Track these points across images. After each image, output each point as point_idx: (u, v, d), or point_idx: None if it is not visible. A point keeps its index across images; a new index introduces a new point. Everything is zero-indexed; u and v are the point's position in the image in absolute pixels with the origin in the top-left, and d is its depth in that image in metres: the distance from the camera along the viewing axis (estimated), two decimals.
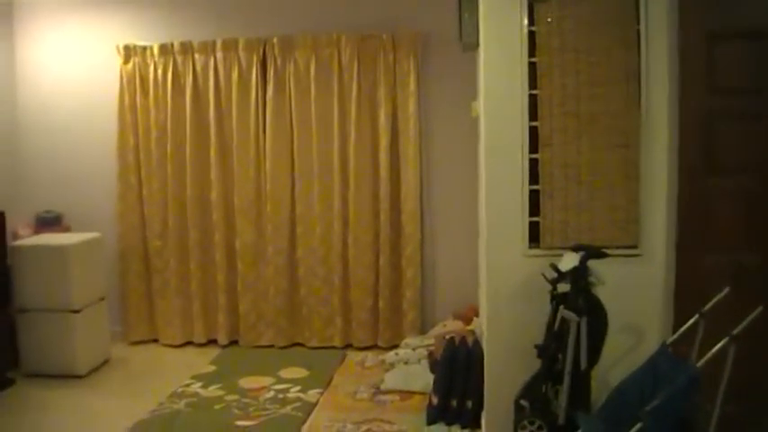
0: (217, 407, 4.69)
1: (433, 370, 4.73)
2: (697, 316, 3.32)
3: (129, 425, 4.40)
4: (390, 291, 5.88)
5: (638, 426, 2.89)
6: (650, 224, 3.74)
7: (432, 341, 5.19)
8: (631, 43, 3.65)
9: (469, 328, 5.06)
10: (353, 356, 5.67)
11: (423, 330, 5.83)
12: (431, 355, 4.95)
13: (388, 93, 5.74)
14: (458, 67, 5.56)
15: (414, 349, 5.27)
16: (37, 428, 4.49)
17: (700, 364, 2.95)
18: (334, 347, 5.92)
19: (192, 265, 6.11)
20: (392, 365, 5.17)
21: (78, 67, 6.23)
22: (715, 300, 3.27)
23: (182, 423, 4.44)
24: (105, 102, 6.14)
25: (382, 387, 4.86)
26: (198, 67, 5.95)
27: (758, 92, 3.76)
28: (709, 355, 2.95)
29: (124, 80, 6.04)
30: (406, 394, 4.76)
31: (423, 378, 4.77)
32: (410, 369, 4.99)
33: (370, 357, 5.61)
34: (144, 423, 4.44)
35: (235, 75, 5.88)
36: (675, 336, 3.41)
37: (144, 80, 6.05)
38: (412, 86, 5.70)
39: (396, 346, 5.60)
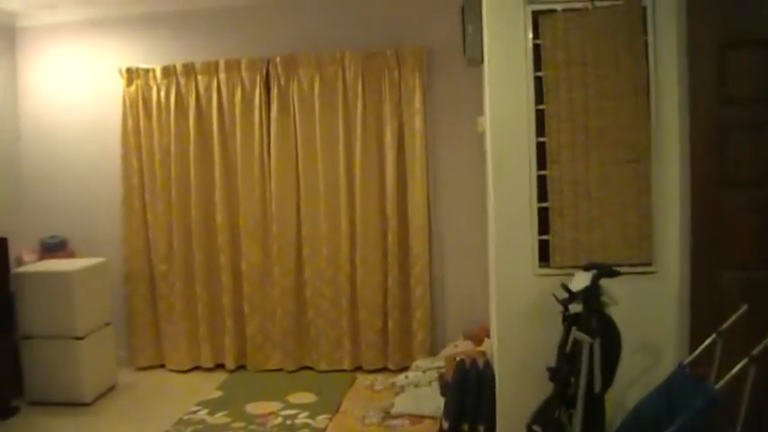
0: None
1: (443, 393, 4.62)
2: (714, 335, 3.23)
3: None
4: (400, 311, 5.79)
5: None
6: (664, 240, 3.65)
7: (442, 363, 5.08)
8: (639, 54, 3.58)
9: (480, 349, 4.96)
10: (363, 380, 5.56)
11: (433, 351, 5.72)
12: (441, 377, 4.84)
13: (393, 110, 5.67)
14: (464, 82, 5.49)
15: (424, 372, 5.17)
16: None
17: (719, 385, 2.86)
18: (343, 371, 5.82)
19: (197, 287, 6.04)
20: (402, 389, 5.06)
21: (81, 91, 6.20)
22: (733, 318, 3.18)
23: None
24: (108, 125, 6.10)
25: (392, 411, 4.75)
26: (201, 89, 5.90)
27: None
28: (728, 376, 2.86)
29: (127, 103, 5.99)
30: (417, 418, 4.64)
31: (433, 401, 4.66)
32: (420, 392, 4.88)
33: (380, 380, 5.49)
34: None
35: (238, 95, 5.82)
36: (693, 356, 3.32)
37: (147, 102, 6.00)
38: (417, 103, 5.63)
39: (406, 368, 5.50)
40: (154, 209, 6.05)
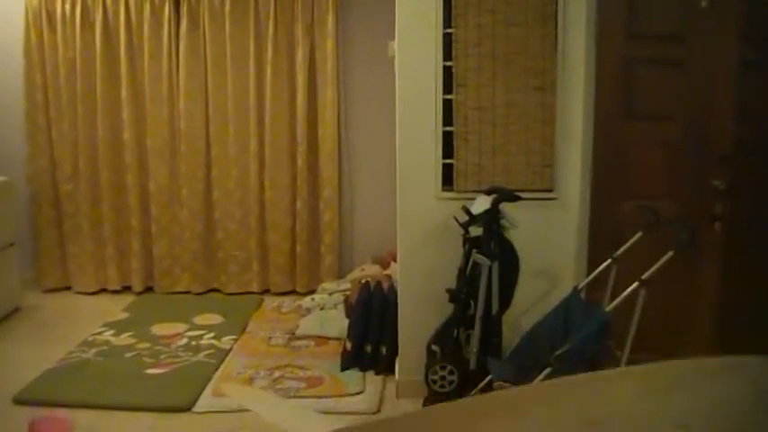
0: (128, 355, 4.57)
1: (348, 315, 4.68)
2: (609, 261, 3.32)
3: (37, 374, 4.25)
4: (308, 234, 5.80)
5: (547, 371, 2.89)
6: (566, 169, 3.71)
7: (348, 286, 5.13)
8: None
9: (387, 272, 5.01)
10: (270, 302, 5.59)
11: (341, 275, 5.76)
12: (347, 300, 4.90)
13: (305, 31, 5.56)
14: (378, 6, 5.41)
15: (330, 294, 5.22)
16: None
17: (609, 308, 2.96)
18: (251, 293, 5.82)
19: (104, 208, 5.90)
20: (308, 311, 5.10)
21: None
22: (627, 245, 3.27)
23: (90, 372, 4.32)
24: (9, 38, 5.82)
25: (297, 333, 4.80)
26: (108, 2, 5.66)
27: (679, 39, 3.72)
28: (619, 299, 2.96)
29: (30, 15, 5.72)
30: (322, 340, 4.71)
31: (338, 323, 4.71)
32: (326, 314, 4.93)
33: (287, 302, 5.52)
34: (51, 372, 4.30)
35: (147, 10, 5.62)
36: (587, 280, 3.43)
37: (51, 15, 5.73)
38: (330, 25, 5.54)
39: (314, 291, 5.53)
40: (59, 126, 5.85)
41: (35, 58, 5.77)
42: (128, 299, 5.80)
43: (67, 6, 5.69)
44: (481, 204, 3.38)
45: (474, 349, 3.41)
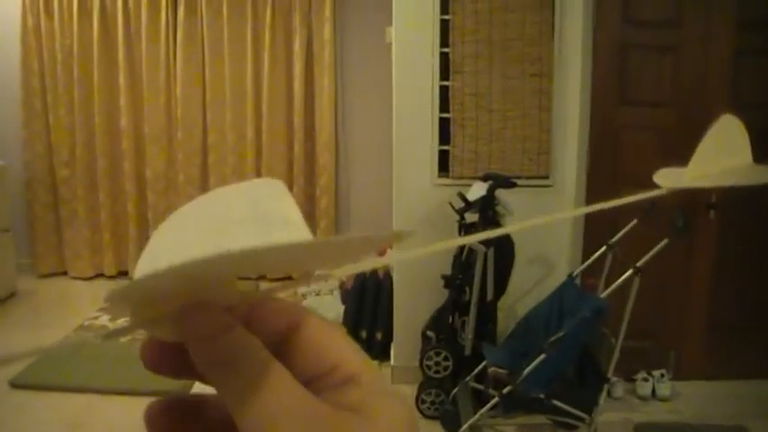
0: (123, 339, 4.55)
1: (344, 301, 4.69)
2: (604, 248, 3.33)
3: (33, 358, 4.25)
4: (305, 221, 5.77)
5: (542, 357, 2.90)
6: (562, 155, 3.72)
7: None
8: None
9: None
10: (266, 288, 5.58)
11: None
12: (342, 286, 4.90)
13: (303, 18, 5.57)
14: None
15: (326, 280, 5.22)
16: None
17: (604, 295, 2.97)
18: (247, 278, 5.79)
19: (101, 194, 5.92)
20: (304, 296, 5.11)
21: None
22: (623, 232, 3.28)
23: (86, 355, 4.32)
24: (6, 24, 5.80)
25: None
26: None
27: (675, 25, 3.73)
28: (613, 286, 2.96)
29: (26, 1, 5.70)
30: None
31: (334, 309, 4.72)
32: (322, 300, 4.94)
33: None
34: (47, 356, 4.30)
35: None
36: (581, 267, 3.43)
37: (48, 1, 5.72)
38: (327, 12, 5.54)
39: None
40: (56, 112, 5.85)
41: (32, 45, 5.76)
42: (124, 284, 5.78)
43: None
44: (477, 191, 3.38)
45: (469, 335, 3.42)
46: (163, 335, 0.37)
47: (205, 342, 0.35)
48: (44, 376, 4.06)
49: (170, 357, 0.38)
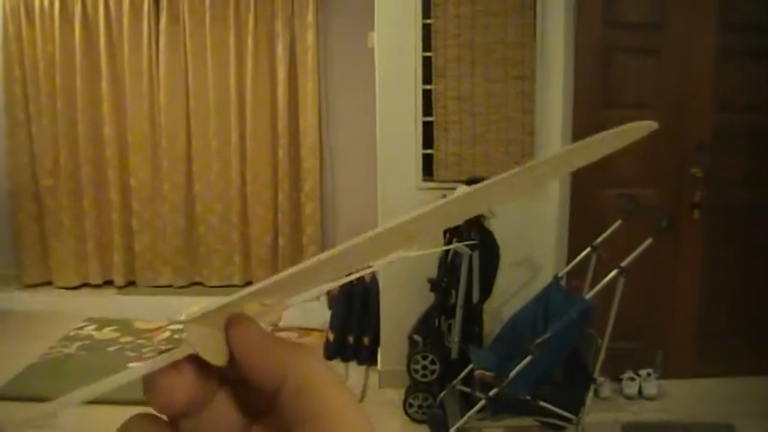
0: (110, 349, 4.56)
1: (331, 306, 4.69)
2: (589, 249, 3.34)
3: (19, 369, 4.24)
4: (290, 227, 5.81)
5: (528, 359, 2.90)
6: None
7: None
8: None
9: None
10: None
11: None
12: (329, 291, 4.90)
13: (285, 24, 5.56)
14: None
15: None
16: None
17: (589, 296, 2.98)
18: (233, 286, 5.81)
19: (85, 203, 5.88)
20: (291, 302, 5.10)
21: None
22: (607, 233, 3.29)
23: (72, 366, 4.31)
24: None
25: (280, 324, 4.80)
26: None
27: (657, 27, 3.75)
28: (598, 287, 2.98)
29: (7, 8, 5.68)
30: (305, 331, 4.71)
31: (321, 315, 4.72)
32: (309, 306, 4.93)
33: None
34: (34, 367, 4.28)
35: (126, 4, 5.59)
36: (567, 269, 3.45)
37: (29, 8, 5.70)
38: (310, 17, 5.53)
39: None
40: (39, 121, 5.82)
41: (14, 53, 5.72)
42: (110, 293, 5.79)
43: (46, 0, 5.65)
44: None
45: (455, 338, 3.42)
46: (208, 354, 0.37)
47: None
48: (30, 387, 4.04)
49: None
